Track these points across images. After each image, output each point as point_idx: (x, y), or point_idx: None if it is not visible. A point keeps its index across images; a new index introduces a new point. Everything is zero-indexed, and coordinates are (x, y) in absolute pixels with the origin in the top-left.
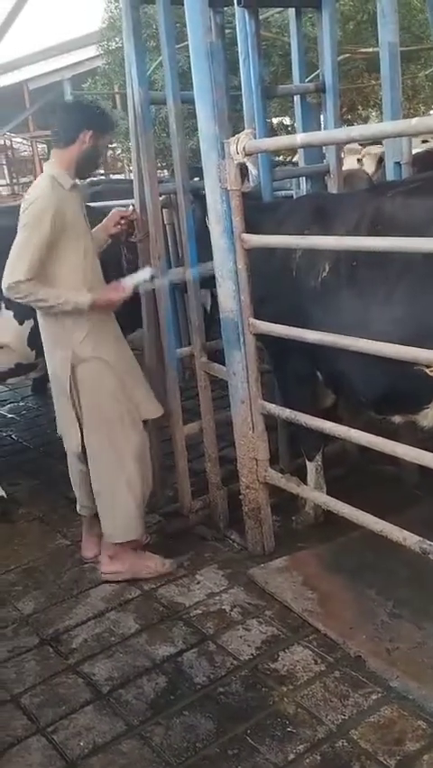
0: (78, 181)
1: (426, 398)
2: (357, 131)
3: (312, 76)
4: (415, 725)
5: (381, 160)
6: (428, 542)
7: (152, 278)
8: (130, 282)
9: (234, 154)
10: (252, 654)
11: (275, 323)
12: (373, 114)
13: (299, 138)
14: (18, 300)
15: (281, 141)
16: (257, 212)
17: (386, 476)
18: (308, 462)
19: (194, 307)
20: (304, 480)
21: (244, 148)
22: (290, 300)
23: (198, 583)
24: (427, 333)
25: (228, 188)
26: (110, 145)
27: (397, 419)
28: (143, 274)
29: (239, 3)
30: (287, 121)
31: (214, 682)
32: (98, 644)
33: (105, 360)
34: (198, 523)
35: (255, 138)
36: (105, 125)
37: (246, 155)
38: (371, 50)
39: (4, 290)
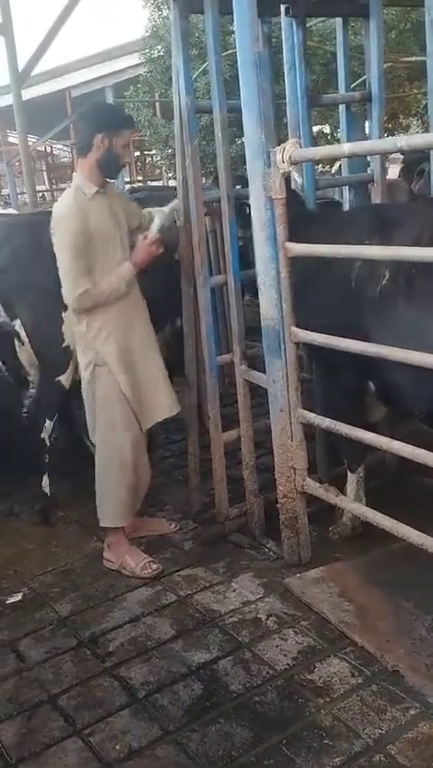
0: (108, 182)
1: None
2: (404, 140)
3: (354, 84)
4: None
5: (418, 171)
6: None
7: (172, 211)
8: (154, 228)
9: (280, 163)
10: (288, 665)
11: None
12: (414, 123)
13: (347, 147)
14: (89, 309)
15: (328, 150)
16: (309, 220)
17: (425, 489)
18: (349, 474)
19: (235, 315)
20: (341, 489)
21: (290, 157)
22: (345, 311)
23: (234, 591)
24: None
25: (273, 197)
26: (148, 152)
27: None
28: (160, 215)
29: (287, 12)
30: (327, 129)
31: (250, 691)
32: (135, 648)
33: (108, 360)
34: (233, 530)
35: (301, 147)
36: (116, 124)
37: (292, 164)
38: (413, 58)
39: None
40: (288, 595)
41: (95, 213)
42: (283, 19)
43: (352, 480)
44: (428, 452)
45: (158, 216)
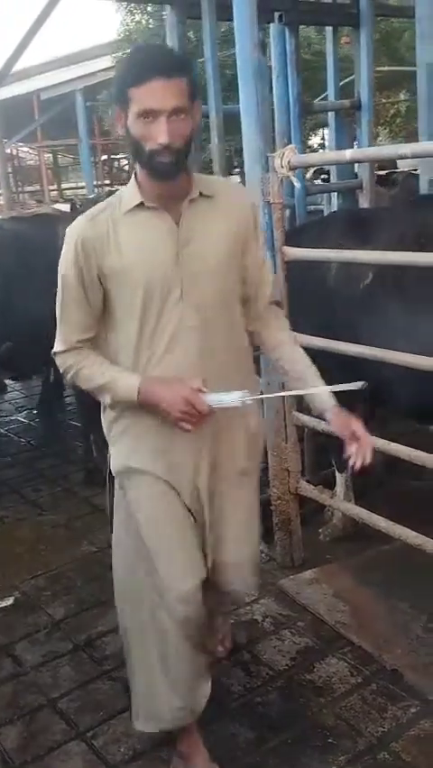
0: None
1: None
2: (408, 148)
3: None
4: None
5: (392, 181)
6: None
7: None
8: (214, 399)
9: (279, 168)
10: (287, 665)
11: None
12: (382, 131)
13: (348, 153)
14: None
15: (329, 156)
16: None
17: (412, 491)
18: (338, 475)
19: None
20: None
21: (289, 162)
22: (325, 314)
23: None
24: None
25: (271, 201)
26: (115, 156)
27: None
28: (233, 397)
29: (280, 20)
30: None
31: (251, 692)
32: None
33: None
34: None
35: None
36: (126, 82)
37: (291, 169)
38: (385, 68)
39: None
40: (283, 596)
41: (131, 237)
42: (273, 26)
43: (341, 480)
44: (428, 454)
45: (233, 395)
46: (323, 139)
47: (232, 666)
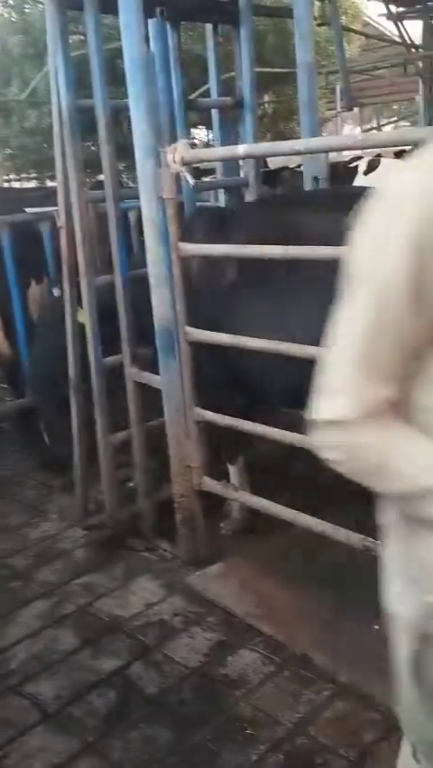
0: None
1: None
2: (301, 144)
3: (202, 90)
4: (369, 716)
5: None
6: (370, 539)
7: None
8: None
9: (172, 163)
10: (200, 661)
11: None
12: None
13: (242, 149)
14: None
15: (222, 151)
16: None
17: (308, 479)
18: (229, 467)
19: (123, 315)
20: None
21: (182, 157)
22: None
23: (135, 594)
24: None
25: (165, 197)
26: None
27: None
28: None
29: (162, 15)
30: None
31: (166, 692)
32: (39, 662)
33: None
34: (126, 534)
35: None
36: None
37: (184, 164)
38: (259, 69)
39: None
40: (190, 593)
41: None
42: (152, 22)
43: (233, 472)
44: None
45: None
46: (193, 138)
47: (144, 668)
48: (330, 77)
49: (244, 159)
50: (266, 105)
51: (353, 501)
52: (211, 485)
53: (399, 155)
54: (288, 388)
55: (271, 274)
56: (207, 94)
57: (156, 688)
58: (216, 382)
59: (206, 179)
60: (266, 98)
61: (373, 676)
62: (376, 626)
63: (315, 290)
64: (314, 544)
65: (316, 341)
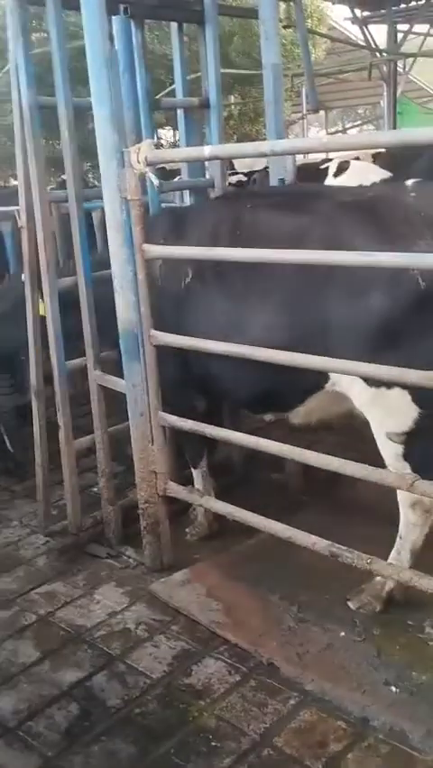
0: None
1: (298, 399)
2: (267, 146)
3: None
4: (335, 725)
5: (252, 180)
6: (337, 545)
7: None
8: None
9: (135, 164)
10: (164, 671)
11: None
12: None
13: (207, 150)
14: None
15: (186, 152)
16: None
17: (272, 483)
18: (193, 470)
19: (87, 317)
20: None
21: (145, 158)
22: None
23: (98, 603)
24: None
25: (128, 198)
26: None
27: (269, 417)
28: None
29: (126, 12)
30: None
31: (129, 704)
32: None
33: None
34: (89, 541)
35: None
36: None
37: (148, 165)
38: (225, 71)
39: None
40: (154, 601)
41: None
42: (116, 19)
43: (197, 475)
44: (282, 444)
45: None
46: (160, 138)
47: (107, 680)
48: (296, 80)
49: (209, 160)
50: (232, 106)
51: (322, 506)
52: (176, 490)
53: (376, 158)
54: (253, 394)
55: (226, 273)
56: (174, 94)
57: (119, 699)
58: (182, 389)
59: (171, 181)
60: (232, 100)
61: (339, 684)
62: None
63: (269, 289)
64: (279, 549)
65: (274, 342)
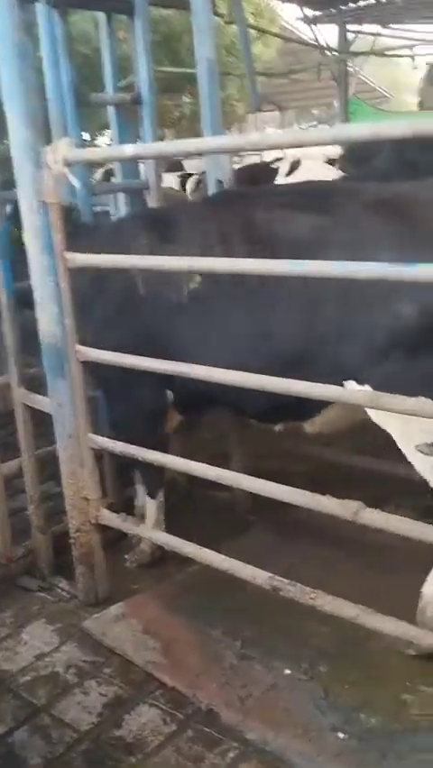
0: None
1: (317, 409)
2: (193, 144)
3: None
4: None
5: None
6: (279, 578)
7: None
8: None
9: (53, 164)
10: (93, 723)
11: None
12: (170, 134)
13: (129, 149)
14: None
15: (107, 151)
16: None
17: (218, 503)
18: (149, 500)
19: (9, 332)
20: (132, 511)
21: (63, 157)
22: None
23: (25, 644)
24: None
25: (47, 201)
26: None
27: (278, 427)
28: None
29: (48, 1)
30: (86, 135)
31: (52, 763)
32: None
33: None
34: (19, 572)
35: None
36: None
37: (66, 165)
38: (168, 69)
39: None
40: (87, 639)
41: None
42: (39, 7)
43: (152, 505)
44: (234, 473)
45: None
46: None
47: (29, 735)
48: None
49: (132, 159)
50: (184, 106)
51: (271, 526)
52: (109, 518)
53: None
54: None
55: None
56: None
57: (41, 758)
58: (156, 412)
59: (103, 183)
60: (185, 99)
61: (282, 731)
62: None
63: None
64: (223, 577)
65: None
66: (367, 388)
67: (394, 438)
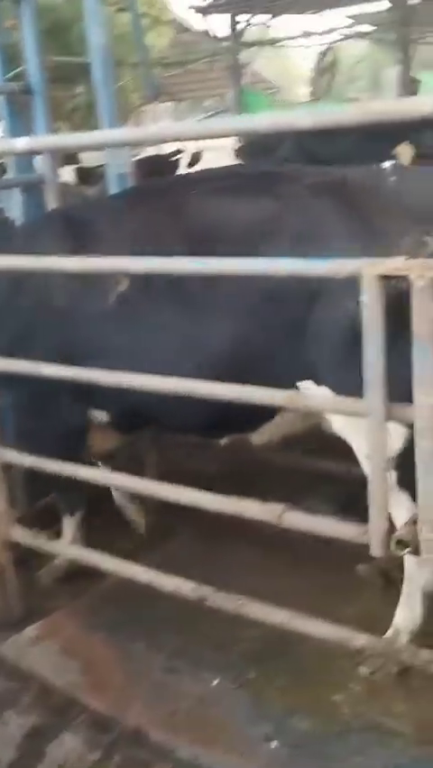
0: None
1: (266, 418)
2: (87, 137)
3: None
4: None
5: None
6: (203, 587)
7: None
8: None
9: None
10: (11, 758)
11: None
12: (65, 126)
13: (21, 143)
14: None
15: None
16: None
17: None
18: (68, 519)
19: None
20: (46, 523)
21: None
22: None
23: None
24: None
25: None
26: None
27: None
28: None
29: None
30: None
31: None
32: None
33: None
34: None
35: None
36: None
37: None
38: (59, 58)
39: None
40: (2, 665)
41: None
42: None
43: (70, 523)
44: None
45: None
46: (3, 132)
47: None
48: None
49: (23, 153)
50: (78, 97)
51: (196, 532)
52: (21, 535)
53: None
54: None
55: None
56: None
57: None
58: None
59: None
60: (81, 90)
61: (213, 746)
62: None
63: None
64: (144, 587)
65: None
66: (325, 389)
67: (355, 449)
